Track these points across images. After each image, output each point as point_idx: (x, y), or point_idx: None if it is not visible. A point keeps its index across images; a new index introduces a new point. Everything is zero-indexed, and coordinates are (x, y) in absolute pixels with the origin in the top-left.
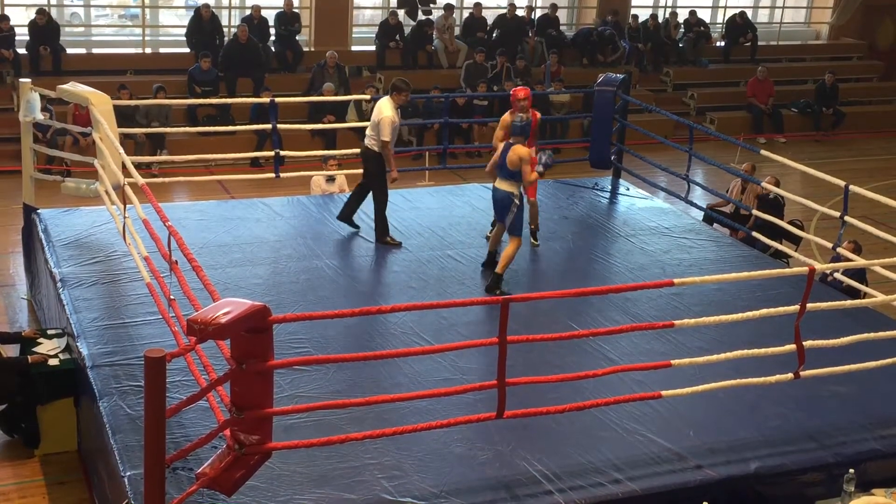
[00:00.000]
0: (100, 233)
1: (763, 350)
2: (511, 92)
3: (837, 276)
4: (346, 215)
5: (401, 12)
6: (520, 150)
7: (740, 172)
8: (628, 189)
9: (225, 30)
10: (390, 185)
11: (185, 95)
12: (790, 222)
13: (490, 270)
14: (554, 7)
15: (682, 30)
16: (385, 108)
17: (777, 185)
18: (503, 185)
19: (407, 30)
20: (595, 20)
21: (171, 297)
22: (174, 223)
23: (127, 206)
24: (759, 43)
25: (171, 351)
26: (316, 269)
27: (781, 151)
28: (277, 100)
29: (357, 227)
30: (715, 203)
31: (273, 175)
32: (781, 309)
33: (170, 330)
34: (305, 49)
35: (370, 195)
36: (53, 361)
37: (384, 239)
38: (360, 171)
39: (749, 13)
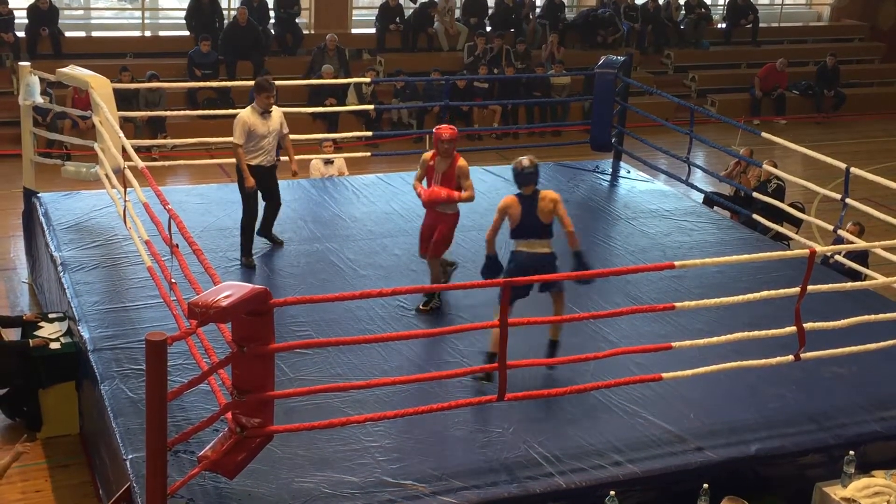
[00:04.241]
0: (100, 216)
1: (763, 332)
2: (434, 131)
3: (839, 258)
4: (264, 231)
5: None
6: (552, 194)
7: (741, 155)
8: (629, 172)
9: (224, 12)
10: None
11: (184, 79)
12: (791, 205)
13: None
14: None
15: (682, 11)
16: (243, 110)
17: (774, 168)
18: (540, 248)
19: (407, 12)
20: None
21: (172, 280)
22: (175, 207)
23: (127, 189)
24: (761, 25)
25: (172, 334)
26: (316, 253)
27: (782, 134)
28: (277, 83)
29: (279, 241)
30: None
31: None
32: (782, 291)
33: (171, 313)
34: (305, 32)
35: (274, 200)
36: (55, 345)
37: (243, 259)
38: (361, 154)
39: None
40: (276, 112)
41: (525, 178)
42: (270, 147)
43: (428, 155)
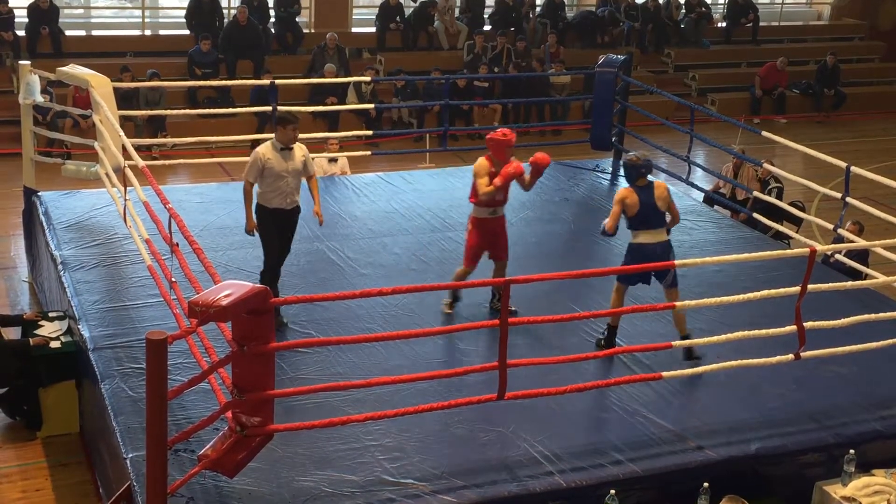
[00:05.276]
0: (100, 215)
1: (764, 331)
2: (504, 137)
3: (839, 257)
4: None
5: None
6: (664, 183)
7: (741, 154)
8: None
9: (225, 11)
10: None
11: (185, 78)
12: (791, 204)
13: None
14: None
15: (683, 10)
16: (261, 145)
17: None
18: (661, 236)
19: (407, 11)
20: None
21: (173, 279)
22: (175, 206)
23: (127, 188)
24: (761, 24)
25: (172, 333)
26: (317, 252)
27: (782, 133)
28: (278, 82)
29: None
30: (712, 187)
31: None
32: (782, 290)
33: (171, 312)
34: (305, 31)
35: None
36: (55, 344)
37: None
38: (361, 153)
39: None
40: (299, 150)
41: (638, 171)
42: (290, 189)
43: (486, 162)
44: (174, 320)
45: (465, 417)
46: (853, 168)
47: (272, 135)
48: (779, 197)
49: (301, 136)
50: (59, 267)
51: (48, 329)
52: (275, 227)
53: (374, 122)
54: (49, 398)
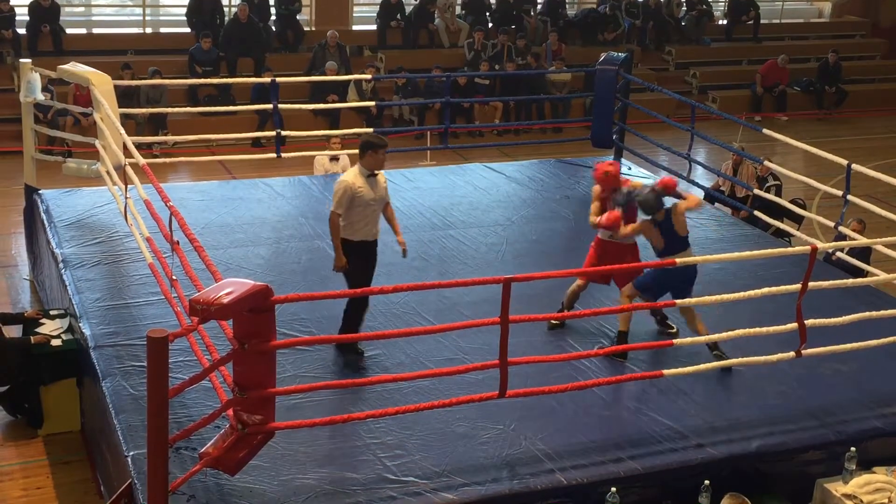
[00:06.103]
0: (101, 213)
1: (765, 329)
2: (597, 176)
3: (840, 255)
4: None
5: None
6: (678, 206)
7: (742, 152)
8: (630, 168)
9: (225, 9)
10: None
11: (185, 75)
12: (792, 201)
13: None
14: None
15: (684, 8)
16: (347, 173)
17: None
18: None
19: (408, 9)
20: None
21: (174, 277)
22: (176, 204)
23: (128, 186)
24: (762, 21)
25: (173, 331)
26: (318, 250)
27: (784, 130)
28: (278, 80)
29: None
30: (712, 185)
31: (274, 155)
32: (783, 288)
33: (172, 310)
34: (306, 28)
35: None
36: (56, 342)
37: (349, 353)
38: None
39: None
40: (381, 175)
41: (653, 207)
42: (376, 218)
43: (598, 187)
44: (175, 318)
45: (466, 415)
46: (854, 166)
47: (271, 133)
48: (777, 194)
49: (302, 133)
50: (60, 265)
51: (49, 327)
52: (365, 260)
53: (374, 119)
54: (50, 396)
